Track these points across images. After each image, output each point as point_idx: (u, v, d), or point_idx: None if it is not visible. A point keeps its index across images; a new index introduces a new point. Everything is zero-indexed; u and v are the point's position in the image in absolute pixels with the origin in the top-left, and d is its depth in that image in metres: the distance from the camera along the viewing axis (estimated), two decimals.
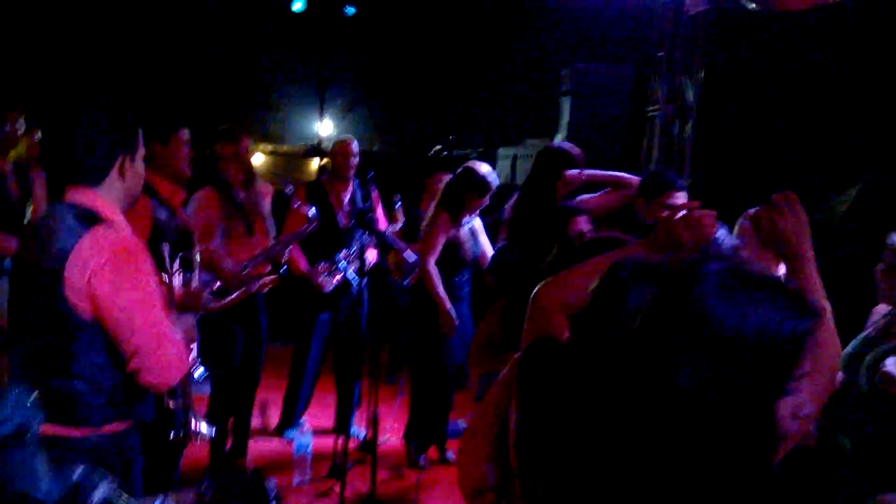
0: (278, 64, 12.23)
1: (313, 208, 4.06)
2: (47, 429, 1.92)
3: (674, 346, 1.09)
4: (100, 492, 1.55)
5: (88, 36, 9.18)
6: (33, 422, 1.45)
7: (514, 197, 3.99)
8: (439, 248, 4.29)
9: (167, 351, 2.13)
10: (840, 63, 4.92)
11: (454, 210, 4.32)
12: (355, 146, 4.82)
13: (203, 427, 2.67)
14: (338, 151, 4.83)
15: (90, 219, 2.09)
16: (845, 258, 3.93)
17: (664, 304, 1.14)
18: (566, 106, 6.77)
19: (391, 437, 4.84)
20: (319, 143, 12.18)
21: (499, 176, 10.60)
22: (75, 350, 2.08)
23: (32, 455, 1.46)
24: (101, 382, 2.12)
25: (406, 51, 11.60)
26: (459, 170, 4.39)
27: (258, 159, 12.83)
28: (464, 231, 4.42)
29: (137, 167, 2.24)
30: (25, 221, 4.01)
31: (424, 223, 4.47)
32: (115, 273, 2.06)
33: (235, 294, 3.72)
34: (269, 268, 4.05)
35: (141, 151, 2.26)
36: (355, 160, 4.79)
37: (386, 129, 12.18)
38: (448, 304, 4.29)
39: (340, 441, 3.96)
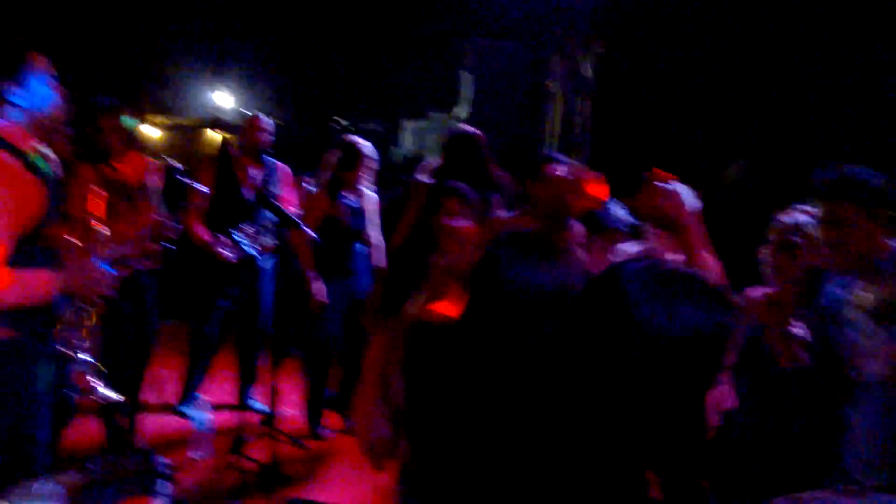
0: (175, 36, 11.77)
1: (203, 185, 4.04)
2: None
3: (606, 347, 1.10)
4: None
5: None
6: None
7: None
8: (316, 223, 4.31)
9: None
10: (738, 40, 5.10)
11: (332, 185, 4.40)
12: (267, 122, 4.73)
13: (104, 389, 2.62)
14: (249, 126, 4.74)
15: None
16: (730, 234, 4.11)
17: (591, 307, 1.16)
18: (467, 81, 6.81)
19: (293, 410, 4.81)
20: (218, 117, 11.84)
21: (402, 149, 10.60)
22: None
23: None
24: None
25: (307, 23, 11.36)
26: (337, 144, 4.47)
27: (154, 133, 12.37)
28: (349, 205, 4.45)
29: None
30: None
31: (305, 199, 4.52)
32: None
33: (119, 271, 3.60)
34: (156, 245, 3.94)
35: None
36: (266, 136, 4.72)
37: (287, 102, 11.93)
38: (315, 280, 4.38)
39: (241, 416, 3.91)
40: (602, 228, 2.71)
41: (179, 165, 4.12)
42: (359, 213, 4.54)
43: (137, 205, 3.98)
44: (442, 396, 1.37)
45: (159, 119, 12.42)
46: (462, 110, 6.83)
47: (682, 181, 3.45)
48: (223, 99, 12.08)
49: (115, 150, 3.93)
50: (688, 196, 3.20)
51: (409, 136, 10.30)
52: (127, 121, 4.08)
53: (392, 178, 6.68)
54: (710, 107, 5.12)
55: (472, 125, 6.74)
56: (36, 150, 2.37)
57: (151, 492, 1.99)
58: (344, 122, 9.57)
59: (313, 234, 4.08)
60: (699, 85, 5.27)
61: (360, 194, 4.56)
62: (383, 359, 2.00)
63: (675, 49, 5.49)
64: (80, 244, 2.53)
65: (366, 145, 4.46)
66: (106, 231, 2.71)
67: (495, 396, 1.29)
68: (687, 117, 5.23)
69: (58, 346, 2.45)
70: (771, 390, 2.42)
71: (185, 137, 12.63)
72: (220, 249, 4.42)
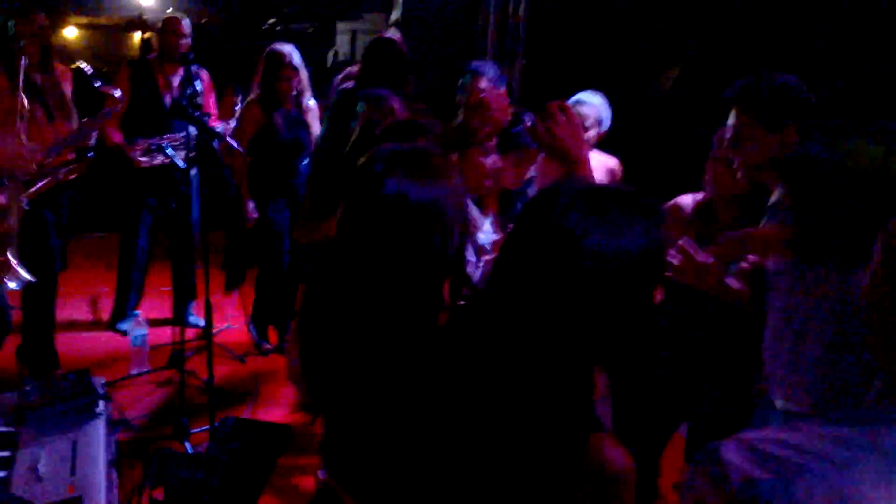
0: None
1: (118, 90, 3.87)
2: None
3: (551, 274, 1.08)
4: None
5: None
6: None
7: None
8: (248, 137, 4.23)
9: None
10: None
11: (264, 97, 4.26)
12: (186, 25, 4.53)
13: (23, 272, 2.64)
14: (167, 30, 4.53)
15: None
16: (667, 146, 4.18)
17: (528, 229, 1.14)
18: None
19: (232, 324, 4.84)
20: (141, 16, 11.25)
21: (337, 53, 10.30)
22: None
23: None
24: None
25: None
26: (263, 54, 4.28)
27: (72, 33, 11.72)
28: (287, 117, 4.32)
29: None
30: None
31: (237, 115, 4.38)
32: None
33: (41, 183, 3.50)
34: (74, 154, 3.80)
35: None
36: (186, 41, 4.52)
37: (215, 1, 11.38)
38: (250, 202, 4.33)
39: (178, 331, 3.91)
40: (517, 146, 2.72)
41: (91, 69, 3.90)
42: (299, 125, 4.38)
43: (55, 114, 3.82)
44: (325, 321, 1.39)
45: (78, 19, 11.75)
46: (395, 13, 6.64)
47: (619, 90, 3.47)
48: None
49: (31, 57, 3.73)
50: (599, 113, 3.22)
51: (343, 39, 9.99)
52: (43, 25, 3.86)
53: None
54: (651, 11, 5.07)
55: (406, 26, 6.61)
56: None
57: (90, 412, 2.01)
58: (282, 24, 9.21)
59: (238, 147, 3.93)
60: None
61: (299, 104, 4.40)
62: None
63: None
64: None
65: (289, 52, 4.26)
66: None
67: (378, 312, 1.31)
68: (626, 22, 5.19)
69: None
70: (694, 309, 2.45)
71: (107, 39, 12.02)
72: (135, 155, 4.30)
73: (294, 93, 4.34)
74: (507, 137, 2.65)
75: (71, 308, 4.88)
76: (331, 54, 10.24)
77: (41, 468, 1.84)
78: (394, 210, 1.29)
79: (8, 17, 3.67)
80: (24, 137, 3.53)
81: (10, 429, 1.99)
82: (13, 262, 2.62)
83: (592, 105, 3.25)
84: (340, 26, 10.31)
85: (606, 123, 3.29)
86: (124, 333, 4.50)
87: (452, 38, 6.24)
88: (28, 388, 2.09)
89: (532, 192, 2.79)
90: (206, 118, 4.16)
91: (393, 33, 3.98)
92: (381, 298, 1.30)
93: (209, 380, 3.43)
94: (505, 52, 6.34)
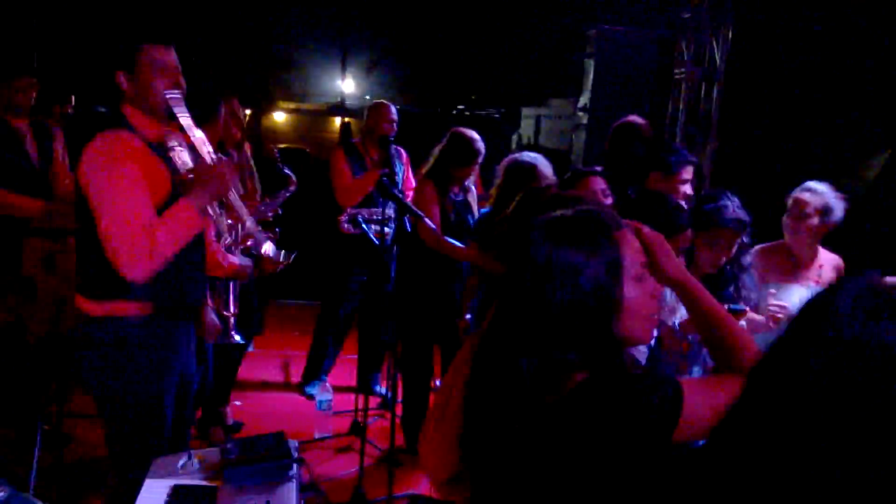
0: (300, 22, 12.11)
1: (293, 176, 4.09)
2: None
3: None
4: None
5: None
6: None
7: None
8: (437, 219, 4.04)
9: (132, 244, 2.27)
10: (877, 24, 4.78)
11: (441, 180, 4.15)
12: (394, 112, 4.76)
13: (236, 336, 2.83)
14: (375, 116, 4.76)
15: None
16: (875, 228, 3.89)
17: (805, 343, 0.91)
18: (590, 68, 6.68)
19: None
20: (342, 102, 12.12)
21: (521, 137, 10.52)
22: (87, 229, 2.38)
23: None
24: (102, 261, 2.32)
25: (429, 8, 11.44)
26: (446, 136, 4.18)
27: (280, 117, 12.81)
28: (455, 201, 4.22)
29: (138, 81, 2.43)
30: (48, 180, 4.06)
31: (412, 195, 4.33)
32: (92, 162, 2.35)
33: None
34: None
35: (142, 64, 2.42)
36: (392, 126, 4.72)
37: (408, 88, 12.06)
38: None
39: (361, 398, 4.02)
40: (715, 225, 2.62)
41: (278, 154, 4.19)
42: (466, 208, 4.30)
43: (247, 189, 4.16)
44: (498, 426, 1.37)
45: (286, 104, 12.87)
46: (583, 98, 6.70)
47: (819, 176, 3.28)
48: (348, 85, 12.37)
49: (230, 137, 4.08)
50: (825, 202, 3.02)
51: (528, 123, 10.21)
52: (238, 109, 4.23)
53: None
54: (851, 96, 4.80)
55: (592, 113, 6.65)
56: (163, 139, 2.56)
57: (284, 474, 2.09)
58: (470, 110, 9.59)
59: (432, 226, 3.86)
60: (839, 71, 4.96)
61: (466, 189, 4.31)
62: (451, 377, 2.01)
63: (812, 33, 5.18)
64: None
65: (476, 138, 4.13)
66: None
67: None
68: (825, 106, 4.94)
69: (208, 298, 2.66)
70: None
71: (310, 122, 13.02)
72: (342, 219, 4.50)
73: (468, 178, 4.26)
74: (700, 216, 2.57)
75: (263, 369, 5.18)
76: (514, 137, 10.50)
77: None
78: (538, 269, 1.33)
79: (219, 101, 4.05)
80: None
81: (212, 484, 2.11)
82: (232, 320, 2.83)
83: (817, 193, 3.10)
84: (525, 111, 10.57)
85: (837, 215, 3.10)
86: (311, 397, 4.70)
87: None
88: (229, 446, 2.20)
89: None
90: (403, 196, 4.33)
91: (636, 119, 3.93)
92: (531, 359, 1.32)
93: (390, 449, 3.46)
94: (694, 135, 6.21)
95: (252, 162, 4.30)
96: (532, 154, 3.68)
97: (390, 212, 4.17)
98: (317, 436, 4.24)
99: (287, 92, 12.97)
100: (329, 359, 4.96)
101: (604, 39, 6.54)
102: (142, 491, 2.06)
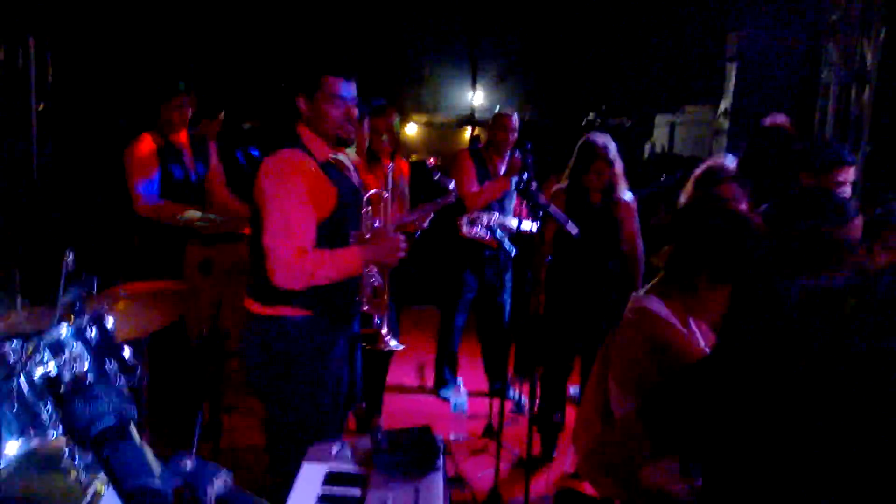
0: (430, 35, 12.40)
1: (453, 182, 4.04)
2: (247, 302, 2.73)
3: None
4: (216, 485, 1.50)
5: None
6: (130, 411, 1.45)
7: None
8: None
9: (288, 264, 2.53)
10: None
11: (573, 189, 4.09)
12: (515, 121, 4.86)
13: (392, 342, 2.98)
14: (498, 125, 4.88)
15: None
16: None
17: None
18: (732, 72, 6.48)
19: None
20: (472, 113, 12.31)
21: (654, 145, 10.28)
22: (258, 238, 2.64)
23: (138, 446, 1.44)
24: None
25: (559, 16, 11.43)
26: (579, 143, 4.12)
27: (412, 130, 13.14)
28: (587, 213, 4.04)
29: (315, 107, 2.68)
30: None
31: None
32: (266, 176, 2.60)
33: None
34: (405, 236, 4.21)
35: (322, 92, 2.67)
36: (514, 135, 4.83)
37: (538, 98, 12.09)
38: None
39: (496, 402, 4.07)
40: (888, 228, 2.54)
41: (431, 163, 4.23)
42: (603, 221, 4.10)
43: (396, 200, 4.30)
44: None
45: (418, 118, 13.20)
46: (724, 103, 6.51)
47: None
48: (478, 97, 12.56)
49: (382, 150, 4.24)
50: None
51: (662, 131, 9.99)
52: (394, 122, 4.37)
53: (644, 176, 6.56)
54: None
55: (735, 118, 6.45)
56: (333, 159, 2.78)
57: (431, 465, 2.16)
58: (601, 119, 9.50)
59: (576, 229, 3.67)
60: None
61: (609, 197, 4.10)
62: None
63: None
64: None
65: (604, 143, 4.03)
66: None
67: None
68: None
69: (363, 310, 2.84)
70: None
71: (441, 135, 13.29)
72: (461, 222, 4.55)
73: (604, 186, 4.08)
74: (871, 225, 2.47)
75: (401, 373, 5.32)
76: (647, 146, 10.29)
77: None
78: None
79: (368, 115, 4.21)
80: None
81: (362, 471, 2.21)
82: (384, 332, 3.01)
83: None
84: (659, 119, 10.35)
85: None
86: (446, 400, 4.80)
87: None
88: (379, 436, 2.30)
89: None
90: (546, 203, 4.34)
91: (775, 118, 3.83)
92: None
93: (528, 456, 3.47)
94: (844, 139, 5.91)
95: (401, 174, 4.45)
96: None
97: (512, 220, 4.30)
98: (451, 437, 4.32)
99: (418, 105, 13.32)
100: (450, 364, 5.06)
101: (746, 42, 6.34)
102: (299, 475, 2.19)
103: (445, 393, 4.91)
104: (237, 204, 4.26)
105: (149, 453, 1.50)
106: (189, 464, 1.49)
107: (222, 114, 4.79)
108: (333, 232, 2.68)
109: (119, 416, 1.43)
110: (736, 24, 6.59)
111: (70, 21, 6.06)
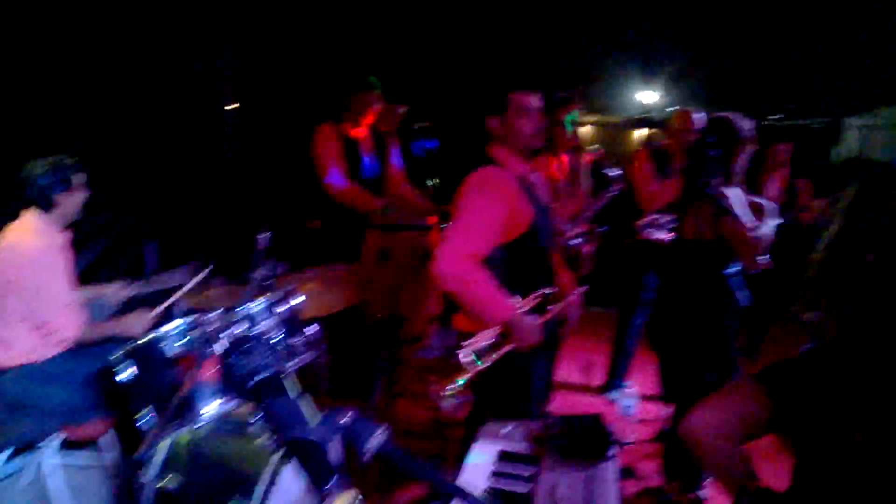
0: (603, 34, 12.24)
1: (617, 171, 4.16)
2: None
3: None
4: (376, 439, 1.54)
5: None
6: (285, 368, 1.48)
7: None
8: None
9: (451, 268, 2.63)
10: None
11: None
12: (694, 119, 4.70)
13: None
14: (676, 123, 4.74)
15: None
16: None
17: None
18: None
19: None
20: (648, 113, 12.06)
21: (843, 149, 9.63)
22: None
23: (293, 399, 1.47)
24: None
25: (736, 10, 10.91)
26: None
27: (585, 129, 13.08)
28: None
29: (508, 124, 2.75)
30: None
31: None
32: (467, 189, 2.72)
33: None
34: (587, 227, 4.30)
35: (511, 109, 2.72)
36: (692, 135, 4.66)
37: (717, 99, 11.61)
38: None
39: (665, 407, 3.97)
40: None
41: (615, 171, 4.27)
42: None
43: (575, 191, 4.32)
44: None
45: (591, 118, 13.09)
46: None
47: None
48: (649, 97, 12.29)
49: (562, 142, 4.28)
50: None
51: (853, 135, 9.34)
52: (573, 114, 4.40)
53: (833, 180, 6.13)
54: None
55: None
56: (529, 177, 2.86)
57: (603, 453, 2.17)
58: (786, 120, 9.02)
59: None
60: None
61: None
62: None
63: None
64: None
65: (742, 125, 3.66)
66: None
67: None
68: None
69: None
70: None
71: (612, 135, 13.10)
72: (640, 223, 4.47)
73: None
74: None
75: (567, 370, 5.31)
76: (836, 151, 9.64)
77: (559, 492, 2.03)
78: None
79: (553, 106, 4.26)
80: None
81: (534, 452, 2.25)
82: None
83: None
84: (849, 121, 9.68)
85: None
86: (612, 402, 4.74)
87: None
88: (551, 421, 2.33)
89: None
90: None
91: None
92: None
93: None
94: None
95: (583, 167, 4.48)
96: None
97: None
98: (622, 440, 4.25)
99: (591, 105, 13.19)
100: (623, 366, 4.97)
101: None
102: (473, 450, 2.26)
103: (613, 395, 4.85)
104: (417, 197, 4.42)
105: (306, 406, 1.58)
106: (348, 418, 1.56)
107: (405, 108, 4.97)
108: (524, 250, 2.77)
109: (274, 370, 1.53)
110: None
111: (261, 28, 6.54)
